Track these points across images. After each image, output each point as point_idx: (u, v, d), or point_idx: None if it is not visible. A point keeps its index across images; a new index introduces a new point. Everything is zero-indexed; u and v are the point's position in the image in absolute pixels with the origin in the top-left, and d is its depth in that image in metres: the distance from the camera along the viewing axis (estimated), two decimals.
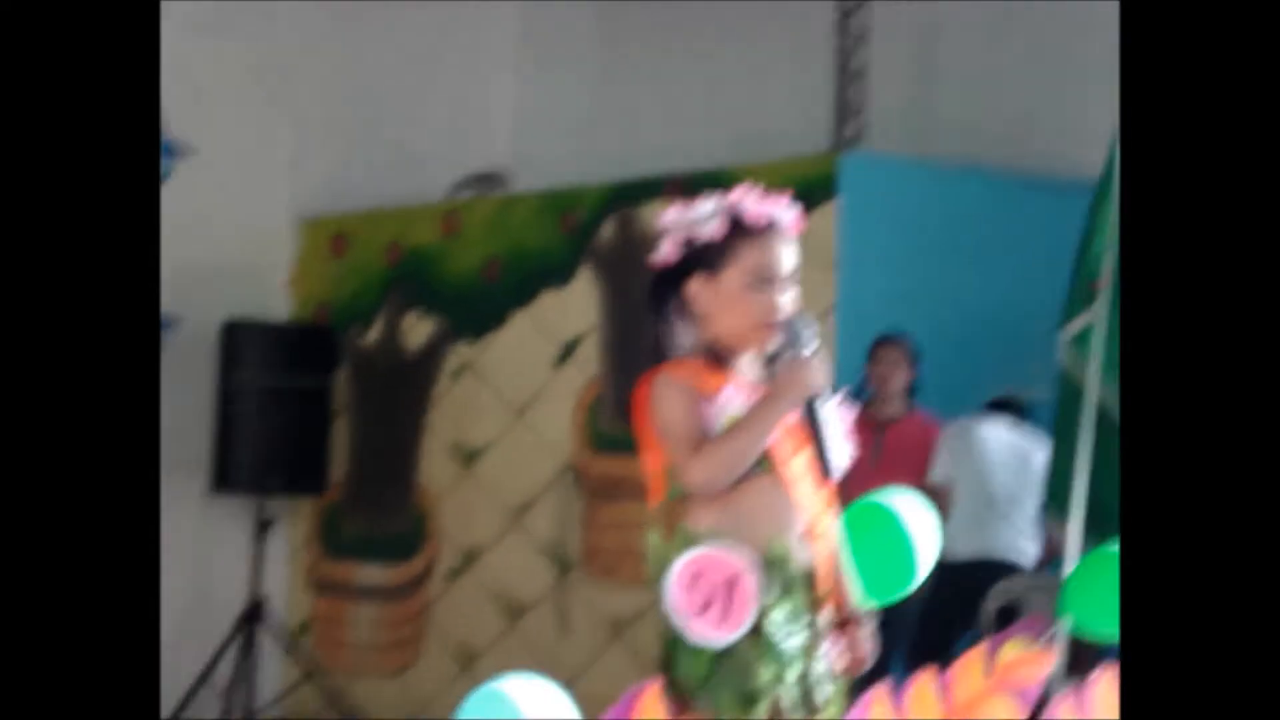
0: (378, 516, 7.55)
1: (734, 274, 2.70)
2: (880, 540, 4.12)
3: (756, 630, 2.62)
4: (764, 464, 2.69)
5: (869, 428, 5.95)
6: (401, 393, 7.54)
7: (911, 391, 6.02)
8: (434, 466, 7.42)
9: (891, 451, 5.88)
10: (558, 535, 7.08)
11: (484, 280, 7.37)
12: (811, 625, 2.68)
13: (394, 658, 7.44)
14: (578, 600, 7.00)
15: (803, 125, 6.93)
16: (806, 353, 2.68)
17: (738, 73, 7.33)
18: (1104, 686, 4.97)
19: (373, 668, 7.46)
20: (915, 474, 5.86)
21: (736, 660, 2.61)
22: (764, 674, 2.61)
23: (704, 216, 2.71)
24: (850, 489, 4.52)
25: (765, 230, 2.72)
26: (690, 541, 2.66)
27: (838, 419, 2.76)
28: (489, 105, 7.74)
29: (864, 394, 6.06)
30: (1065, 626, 4.88)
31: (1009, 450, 6.08)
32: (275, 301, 7.71)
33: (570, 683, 7.23)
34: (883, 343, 6.04)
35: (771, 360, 2.72)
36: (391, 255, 7.64)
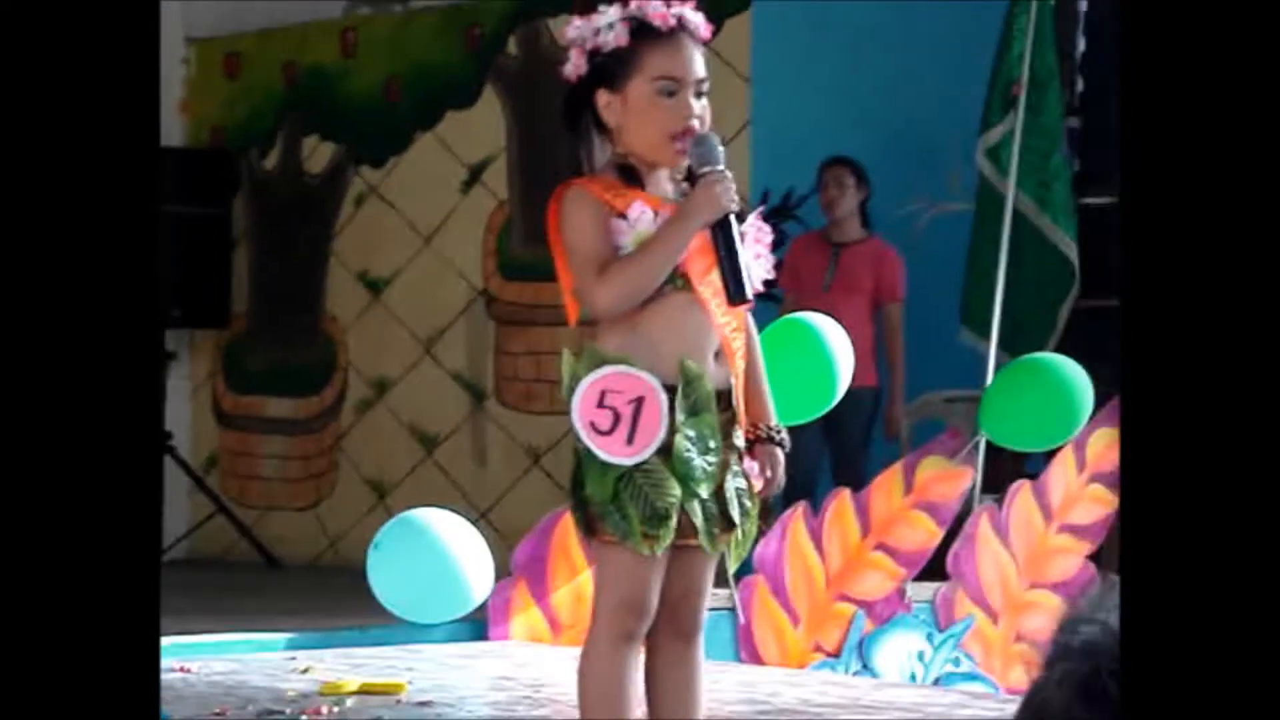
0: (284, 348, 7.40)
1: (640, 82, 2.61)
2: (801, 357, 4.06)
3: (666, 449, 2.56)
4: (677, 281, 2.60)
5: (824, 250, 5.86)
6: (304, 219, 7.35)
7: (865, 213, 5.90)
8: (340, 296, 7.27)
9: (845, 274, 5.80)
10: (470, 364, 6.98)
11: (385, 101, 7.15)
12: (724, 444, 2.61)
13: (306, 491, 7.35)
14: (492, 429, 6.92)
15: None
16: (718, 169, 2.57)
17: None
18: (1021, 500, 4.97)
19: (284, 501, 7.38)
20: (868, 297, 5.80)
21: (645, 479, 2.56)
22: (672, 492, 2.55)
23: (606, 25, 2.60)
24: (803, 309, 4.45)
25: (670, 34, 2.62)
26: (598, 361, 2.58)
27: (755, 235, 2.66)
28: None
29: (794, 207, 5.98)
30: (982, 442, 4.86)
31: None
32: (169, 126, 7.44)
33: (487, 512, 7.26)
34: (829, 165, 5.91)
35: (685, 179, 2.62)
36: (288, 75, 7.39)
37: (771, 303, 5.47)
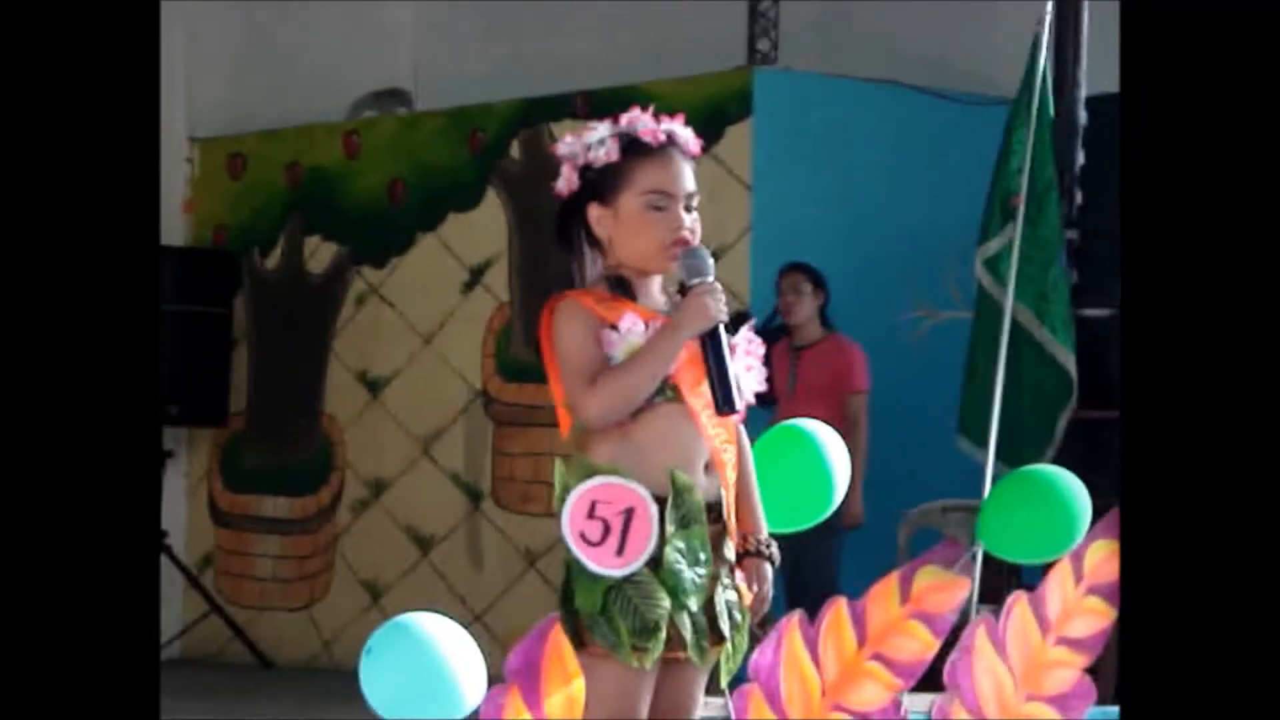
0: (281, 447, 7.39)
1: (631, 196, 2.65)
2: (798, 465, 4.03)
3: (656, 561, 2.54)
4: (668, 392, 2.61)
5: (786, 355, 5.88)
6: (304, 319, 7.37)
7: (824, 316, 5.94)
8: (339, 395, 7.27)
9: (805, 376, 5.83)
10: (467, 465, 6.96)
11: (388, 202, 7.19)
12: (715, 557, 2.59)
13: (301, 591, 7.31)
14: (489, 531, 6.89)
15: (716, 41, 6.78)
16: (708, 281, 2.58)
17: None
18: (1019, 612, 4.92)
19: (279, 602, 7.33)
20: (832, 396, 5.79)
21: (634, 591, 2.56)
22: (662, 604, 2.54)
23: (597, 141, 2.63)
24: (776, 416, 4.46)
25: (660, 149, 2.65)
26: (589, 471, 2.58)
27: (746, 348, 2.67)
28: (390, 18, 7.51)
29: (775, 321, 5.99)
30: (980, 552, 4.83)
31: None
32: (171, 225, 7.49)
33: (482, 615, 7.21)
34: (786, 271, 5.98)
35: (677, 290, 2.63)
36: (291, 176, 7.44)
37: (767, 411, 5.46)
